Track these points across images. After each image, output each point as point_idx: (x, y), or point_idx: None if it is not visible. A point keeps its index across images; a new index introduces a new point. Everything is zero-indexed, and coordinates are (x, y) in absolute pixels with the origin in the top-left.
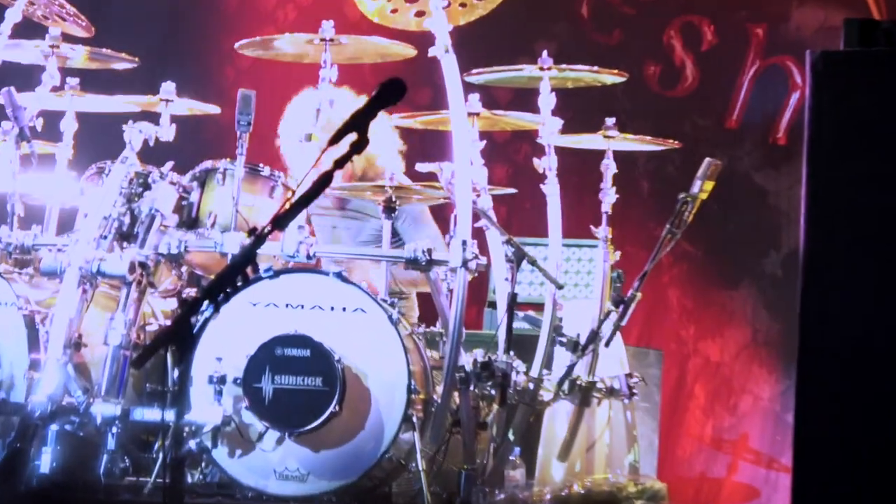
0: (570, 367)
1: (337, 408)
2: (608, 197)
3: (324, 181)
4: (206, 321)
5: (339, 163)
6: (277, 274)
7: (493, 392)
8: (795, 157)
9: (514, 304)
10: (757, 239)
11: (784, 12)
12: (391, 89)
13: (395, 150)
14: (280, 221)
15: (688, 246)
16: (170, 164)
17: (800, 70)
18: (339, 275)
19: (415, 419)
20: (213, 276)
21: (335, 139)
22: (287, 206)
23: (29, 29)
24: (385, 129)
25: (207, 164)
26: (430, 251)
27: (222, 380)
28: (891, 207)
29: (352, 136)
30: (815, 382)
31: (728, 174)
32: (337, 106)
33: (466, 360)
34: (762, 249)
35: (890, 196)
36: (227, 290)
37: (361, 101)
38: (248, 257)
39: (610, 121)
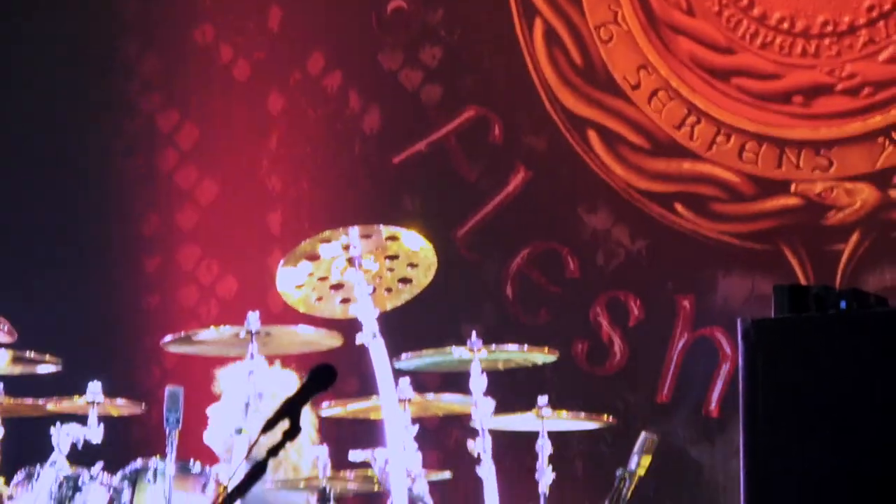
0: None
1: None
2: (545, 477)
3: (256, 472)
4: None
5: (273, 451)
6: None
7: None
8: (729, 429)
9: None
10: None
11: (711, 283)
12: (322, 375)
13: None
14: None
15: None
16: (99, 464)
17: (729, 341)
18: None
19: None
20: None
21: (267, 427)
22: (219, 500)
23: None
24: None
25: (138, 463)
26: None
27: None
28: (828, 469)
29: (284, 425)
30: None
31: (663, 450)
32: (265, 398)
33: None
34: None
35: (829, 461)
36: None
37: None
38: None
39: (542, 399)
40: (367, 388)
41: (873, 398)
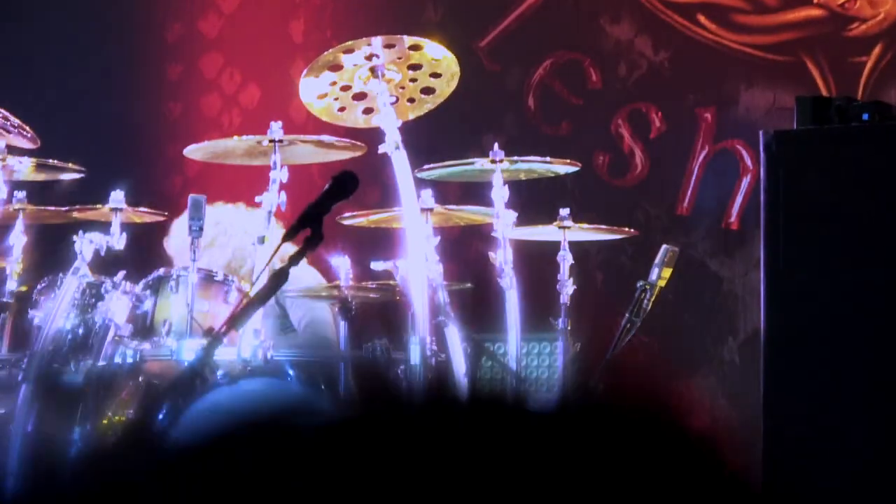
0: None
1: None
2: (566, 288)
3: (278, 279)
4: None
5: (294, 259)
6: (234, 380)
7: None
8: (749, 242)
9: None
10: (713, 326)
11: (732, 95)
12: (344, 182)
13: None
14: (235, 322)
15: (644, 337)
16: (122, 272)
17: (750, 153)
18: (299, 377)
19: None
20: (169, 381)
21: (289, 235)
22: (242, 305)
23: None
24: None
25: (160, 271)
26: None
27: None
28: (849, 284)
29: (306, 232)
30: (780, 468)
31: (683, 262)
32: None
33: None
34: (719, 337)
35: (848, 273)
36: (185, 395)
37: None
38: (204, 361)
39: (564, 211)
40: (389, 198)
41: (893, 211)
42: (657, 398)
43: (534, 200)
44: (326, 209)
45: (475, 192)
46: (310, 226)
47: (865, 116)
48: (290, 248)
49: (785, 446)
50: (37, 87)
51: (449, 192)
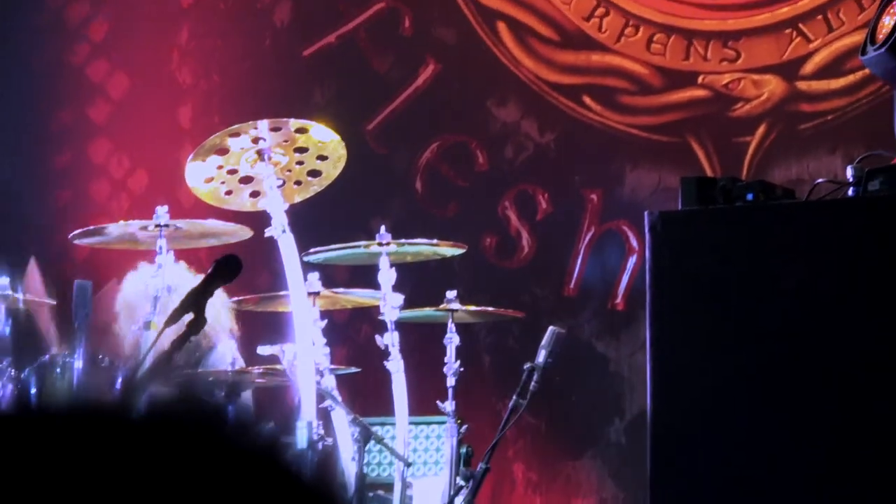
0: None
1: None
2: (452, 371)
3: (162, 365)
4: None
5: (178, 343)
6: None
7: None
8: (635, 323)
9: (363, 484)
10: (600, 408)
11: (618, 176)
12: (226, 266)
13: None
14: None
15: (531, 419)
16: (7, 359)
17: (636, 234)
18: None
19: None
20: None
21: (172, 319)
22: (124, 390)
23: None
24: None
25: (46, 357)
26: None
27: None
28: (733, 363)
29: (189, 316)
30: None
31: (569, 343)
32: (175, 293)
33: None
34: (606, 418)
35: (733, 353)
36: None
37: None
38: None
39: (451, 294)
40: (277, 282)
41: (779, 289)
42: None
43: (421, 283)
44: (209, 293)
45: (364, 274)
46: (192, 310)
47: (750, 196)
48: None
49: None
50: None
51: (338, 275)
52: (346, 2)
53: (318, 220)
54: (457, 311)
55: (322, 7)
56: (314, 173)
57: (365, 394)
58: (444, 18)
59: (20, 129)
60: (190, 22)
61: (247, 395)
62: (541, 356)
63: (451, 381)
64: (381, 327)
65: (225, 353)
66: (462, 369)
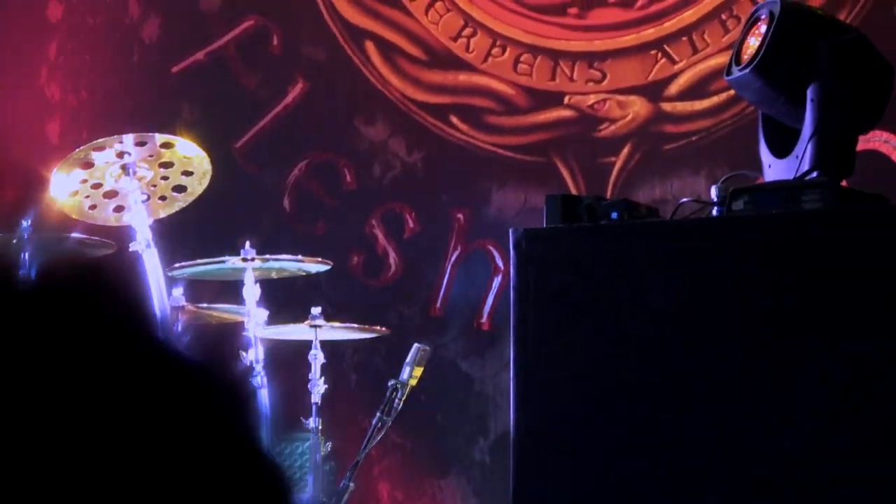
0: None
1: None
2: (317, 388)
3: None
4: None
5: None
6: None
7: None
8: (500, 343)
9: None
10: (465, 427)
11: (485, 195)
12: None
13: None
14: None
15: (396, 437)
16: None
17: (501, 252)
18: None
19: None
20: None
21: None
22: None
23: None
24: None
25: None
26: None
27: None
28: (598, 381)
29: None
30: None
31: (435, 362)
32: None
33: None
34: (470, 437)
35: (598, 372)
36: None
37: None
38: None
39: (316, 310)
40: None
41: (644, 307)
42: None
43: (288, 300)
44: None
45: (233, 291)
46: None
47: (614, 215)
48: None
49: None
50: None
51: (206, 291)
52: (215, 18)
53: (187, 236)
54: (321, 326)
55: (190, 24)
56: (179, 188)
57: None
58: (312, 37)
59: None
60: (59, 37)
61: None
62: (405, 373)
63: (315, 398)
64: (247, 343)
65: None
66: (327, 386)
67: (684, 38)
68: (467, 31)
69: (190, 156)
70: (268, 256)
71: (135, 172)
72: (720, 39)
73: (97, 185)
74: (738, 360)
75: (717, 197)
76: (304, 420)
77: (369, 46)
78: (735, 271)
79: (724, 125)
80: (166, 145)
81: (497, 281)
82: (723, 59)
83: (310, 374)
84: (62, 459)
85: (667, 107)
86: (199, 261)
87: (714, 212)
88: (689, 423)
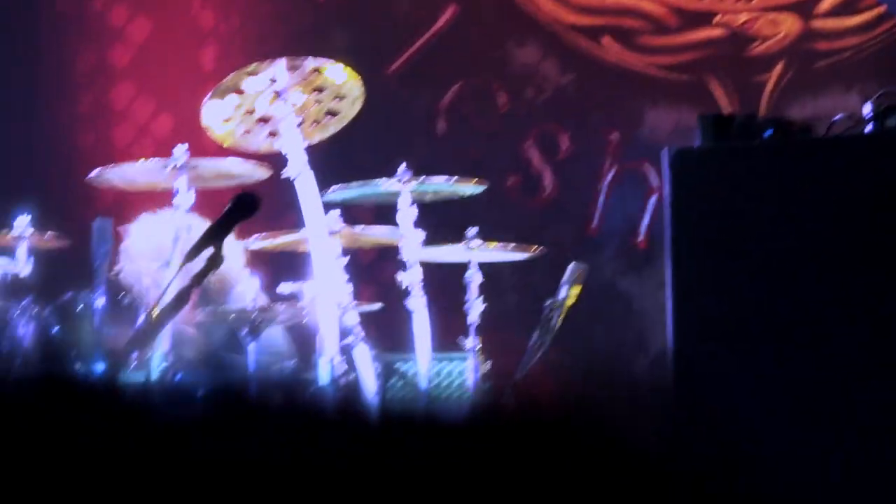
0: None
1: None
2: (474, 308)
3: (181, 299)
4: None
5: (197, 278)
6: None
7: None
8: (657, 261)
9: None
10: (623, 344)
11: (637, 116)
12: (244, 202)
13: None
14: (139, 343)
15: (555, 354)
16: (29, 298)
17: (656, 172)
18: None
19: None
20: None
21: (191, 255)
22: (146, 326)
23: None
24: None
25: (67, 296)
26: None
27: None
28: (754, 298)
29: (208, 252)
30: (686, 481)
31: (592, 281)
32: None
33: None
34: (629, 355)
35: (752, 287)
36: None
37: None
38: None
39: (471, 231)
40: (298, 220)
41: (796, 225)
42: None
43: (444, 222)
44: (227, 229)
45: (389, 214)
46: (211, 246)
47: (767, 133)
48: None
49: (694, 464)
50: None
51: (362, 215)
52: None
53: (341, 160)
54: (477, 248)
55: None
56: (332, 113)
57: (388, 330)
58: None
59: (42, 74)
60: None
61: (278, 333)
62: (562, 292)
63: (472, 319)
64: (403, 265)
65: (246, 291)
66: (484, 307)
67: None
68: None
69: (342, 80)
70: (423, 179)
71: (287, 98)
72: None
73: (250, 112)
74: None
75: (872, 113)
76: (461, 341)
77: None
78: (890, 188)
79: (875, 42)
80: (318, 70)
81: (652, 200)
82: None
83: (466, 296)
84: None
85: (817, 24)
86: (355, 184)
87: (868, 128)
88: (850, 341)
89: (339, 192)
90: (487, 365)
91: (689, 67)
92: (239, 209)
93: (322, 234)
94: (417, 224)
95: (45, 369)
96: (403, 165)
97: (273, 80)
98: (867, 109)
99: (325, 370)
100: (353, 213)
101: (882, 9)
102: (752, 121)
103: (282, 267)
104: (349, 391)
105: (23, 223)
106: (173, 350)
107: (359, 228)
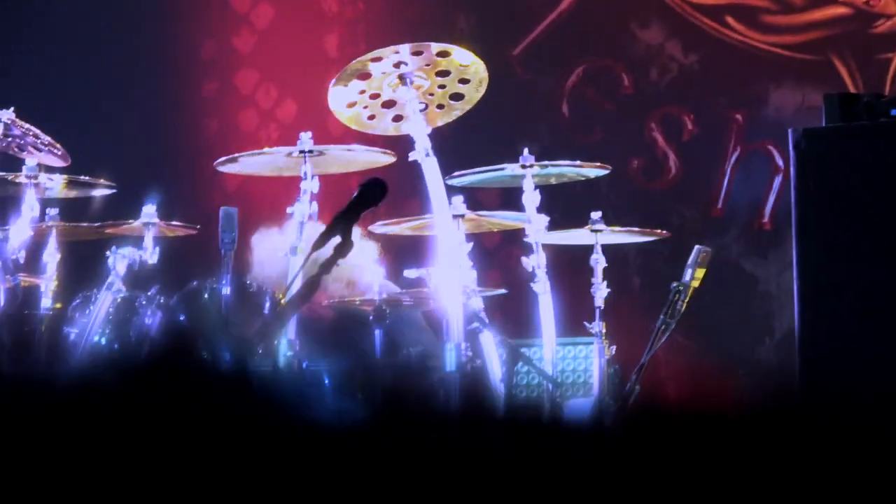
0: None
1: None
2: (599, 292)
3: (311, 288)
4: None
5: (326, 267)
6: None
7: None
8: (783, 242)
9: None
10: (749, 326)
11: (762, 96)
12: (372, 189)
13: (372, 258)
14: (267, 331)
15: (681, 337)
16: (155, 286)
17: (781, 153)
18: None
19: None
20: None
21: (319, 243)
22: (275, 315)
23: (4, 162)
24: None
25: (194, 284)
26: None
27: None
28: (881, 278)
29: (336, 240)
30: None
31: (717, 263)
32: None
33: None
34: (755, 336)
35: (880, 267)
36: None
37: None
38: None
39: (596, 215)
40: (422, 205)
41: None
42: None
43: (568, 206)
44: (355, 216)
45: (514, 198)
46: (339, 233)
47: (894, 112)
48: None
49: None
50: (68, 105)
51: (487, 199)
52: None
53: (465, 144)
54: (602, 231)
55: None
56: (456, 96)
57: (513, 315)
58: None
59: (167, 60)
60: None
61: (417, 317)
62: (687, 275)
63: (598, 302)
64: (529, 249)
65: (372, 282)
66: (610, 290)
67: None
68: None
69: (466, 63)
70: (546, 163)
71: (412, 82)
72: None
73: (375, 96)
74: None
75: None
76: (587, 324)
77: None
78: None
79: None
80: (443, 54)
81: (777, 181)
82: None
83: (592, 279)
84: None
85: None
86: (478, 168)
87: None
88: None
89: (463, 177)
90: (612, 349)
91: (814, 46)
92: (366, 197)
93: (447, 219)
94: (542, 208)
95: (171, 358)
96: (526, 149)
97: (397, 65)
98: None
99: (452, 356)
100: (478, 198)
101: None
102: (878, 100)
103: (407, 252)
104: (475, 377)
105: (150, 211)
106: (299, 338)
107: (483, 213)
